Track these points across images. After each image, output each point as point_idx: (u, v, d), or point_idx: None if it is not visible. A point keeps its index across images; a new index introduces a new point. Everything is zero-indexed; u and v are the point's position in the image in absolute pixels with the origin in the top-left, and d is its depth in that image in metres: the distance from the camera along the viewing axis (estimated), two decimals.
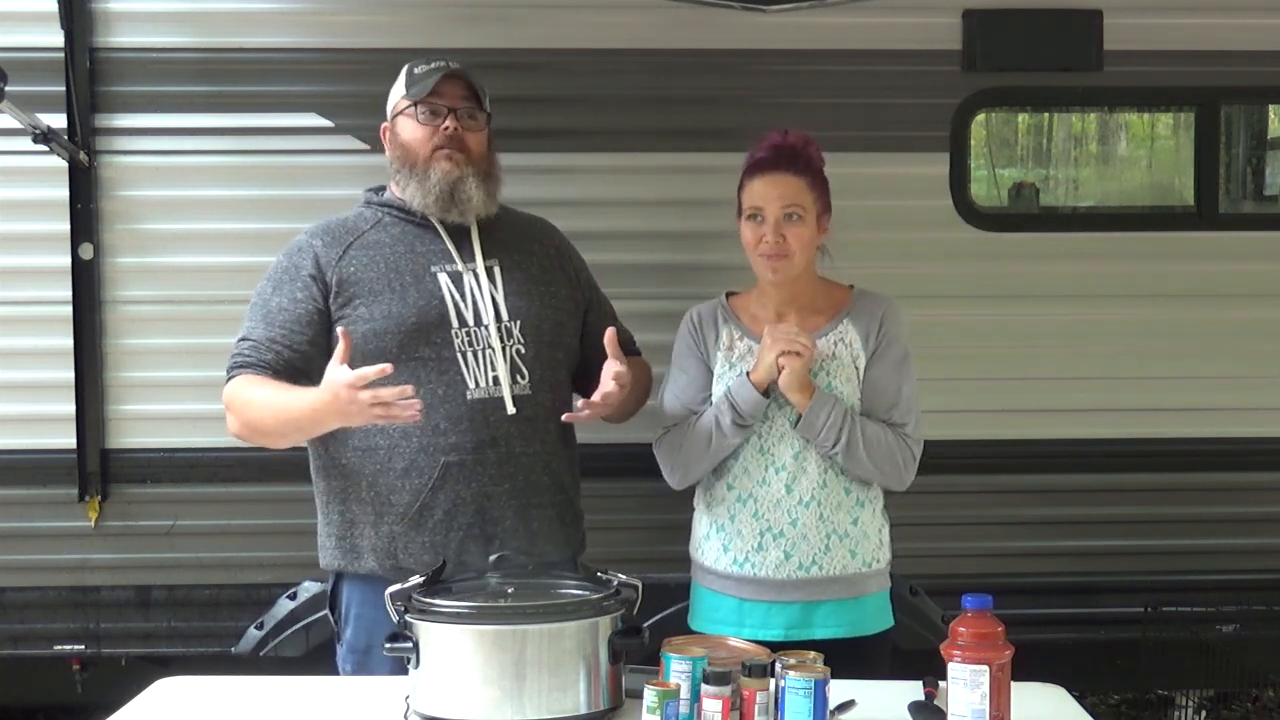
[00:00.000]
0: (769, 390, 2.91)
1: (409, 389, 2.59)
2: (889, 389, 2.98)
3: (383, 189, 3.05)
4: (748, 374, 2.93)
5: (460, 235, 2.96)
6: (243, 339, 2.90)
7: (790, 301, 3.03)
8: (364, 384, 2.56)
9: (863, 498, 2.98)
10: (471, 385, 2.86)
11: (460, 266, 2.93)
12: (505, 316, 2.92)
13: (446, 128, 2.93)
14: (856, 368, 2.98)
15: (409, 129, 2.96)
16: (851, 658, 2.67)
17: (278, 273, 2.94)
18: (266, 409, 2.82)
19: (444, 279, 2.90)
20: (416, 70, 2.99)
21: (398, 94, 3.01)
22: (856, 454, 2.91)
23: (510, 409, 2.87)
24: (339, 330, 2.73)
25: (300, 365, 2.85)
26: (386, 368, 2.58)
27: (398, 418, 2.60)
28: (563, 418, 2.91)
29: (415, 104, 2.94)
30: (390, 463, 2.87)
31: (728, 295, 3.13)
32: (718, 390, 3.00)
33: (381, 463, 2.87)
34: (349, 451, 2.89)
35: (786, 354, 2.85)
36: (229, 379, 2.89)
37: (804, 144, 3.01)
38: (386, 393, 2.57)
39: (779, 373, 2.87)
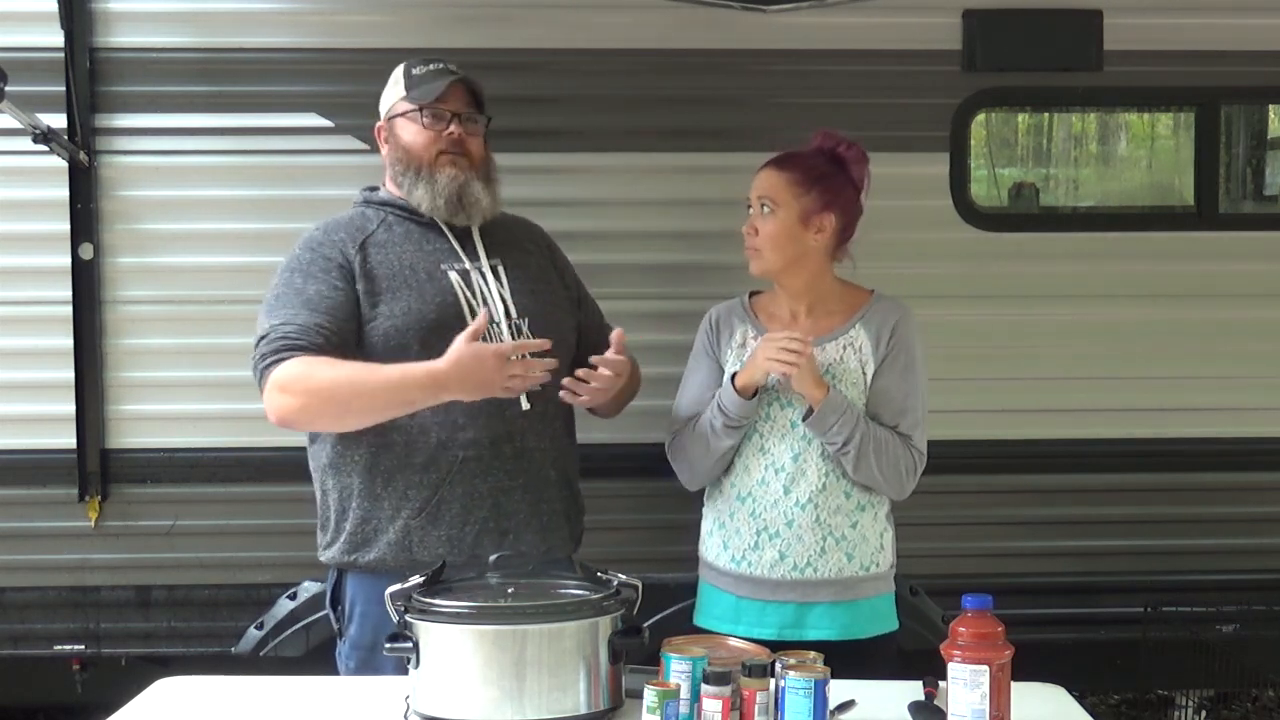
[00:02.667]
0: (756, 392, 2.91)
1: (554, 363, 2.74)
2: (896, 396, 2.97)
3: (376, 189, 3.04)
4: (733, 376, 2.93)
5: (463, 235, 2.96)
6: (282, 324, 2.79)
7: (803, 300, 3.03)
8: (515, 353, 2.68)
9: (864, 502, 2.97)
10: None
11: (467, 265, 2.93)
12: (514, 314, 2.92)
13: (451, 133, 2.93)
14: (864, 373, 2.97)
15: (411, 132, 2.95)
16: (854, 659, 2.67)
17: (304, 264, 2.87)
18: (354, 384, 2.73)
19: (454, 277, 2.90)
20: (415, 71, 2.98)
21: (395, 95, 2.99)
22: (864, 458, 2.90)
23: (525, 405, 2.88)
24: (482, 311, 2.78)
25: (345, 355, 2.79)
26: (546, 343, 2.72)
27: (515, 391, 2.74)
28: (564, 390, 2.84)
29: (420, 108, 2.93)
30: (409, 458, 2.86)
31: (751, 295, 3.12)
32: None
33: (400, 457, 2.86)
34: (363, 448, 2.87)
35: (779, 361, 2.83)
36: (273, 362, 2.76)
37: (818, 144, 3.01)
38: (540, 364, 2.71)
39: (767, 378, 2.88)
